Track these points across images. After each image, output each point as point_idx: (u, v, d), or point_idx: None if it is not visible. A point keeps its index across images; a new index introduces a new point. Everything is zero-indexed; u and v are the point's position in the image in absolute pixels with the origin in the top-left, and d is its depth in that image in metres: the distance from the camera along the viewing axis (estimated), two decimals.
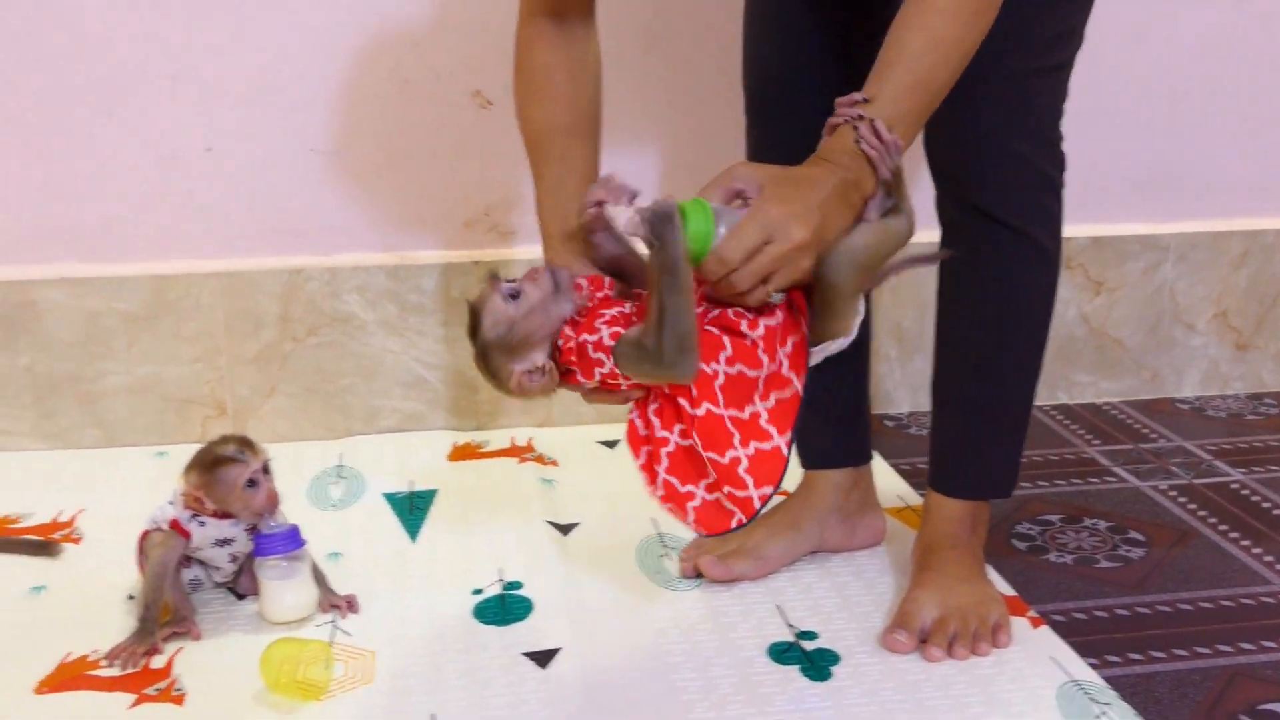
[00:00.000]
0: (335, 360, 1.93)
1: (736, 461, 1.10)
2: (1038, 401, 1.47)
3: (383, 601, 1.45)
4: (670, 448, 1.13)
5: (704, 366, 1.09)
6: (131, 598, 1.43)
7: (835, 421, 1.54)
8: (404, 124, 1.90)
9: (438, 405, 1.97)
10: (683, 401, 1.11)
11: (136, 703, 1.25)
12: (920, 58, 1.10)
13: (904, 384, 2.08)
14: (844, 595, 1.46)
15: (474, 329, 1.15)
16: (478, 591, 1.47)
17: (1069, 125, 1.33)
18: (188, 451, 1.42)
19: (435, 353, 1.95)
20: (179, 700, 1.25)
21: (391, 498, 1.73)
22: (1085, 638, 1.36)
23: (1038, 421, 2.02)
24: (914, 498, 1.71)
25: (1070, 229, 1.40)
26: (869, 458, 1.58)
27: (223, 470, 1.36)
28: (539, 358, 1.14)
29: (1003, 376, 1.39)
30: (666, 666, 1.31)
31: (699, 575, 1.49)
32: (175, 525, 1.38)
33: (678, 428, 1.12)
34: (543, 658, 1.33)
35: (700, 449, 1.10)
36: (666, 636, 1.37)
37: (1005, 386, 1.39)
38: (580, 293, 1.16)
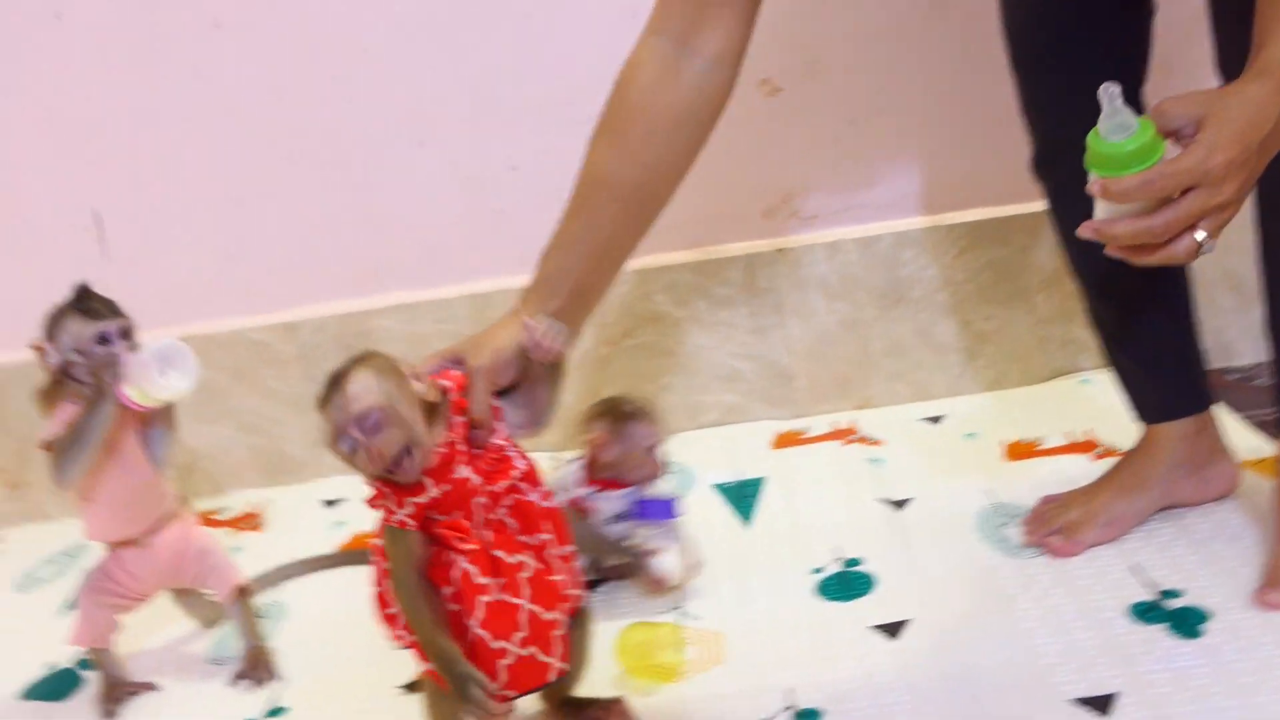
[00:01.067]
0: (651, 360, 1.96)
1: None
2: None
3: (725, 585, 1.46)
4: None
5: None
6: None
7: (1166, 372, 1.46)
8: None
9: (754, 396, 1.97)
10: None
11: None
12: None
13: (1245, 335, 1.95)
14: (1204, 551, 1.38)
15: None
16: (817, 570, 1.47)
17: None
18: None
19: (747, 344, 1.95)
20: None
21: (722, 487, 1.75)
22: None
23: None
24: (1269, 449, 1.60)
25: None
26: (1209, 403, 1.48)
27: None
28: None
29: None
30: (1021, 632, 1.28)
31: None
32: None
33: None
34: (892, 629, 1.32)
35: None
36: (1017, 603, 1.33)
37: None
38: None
